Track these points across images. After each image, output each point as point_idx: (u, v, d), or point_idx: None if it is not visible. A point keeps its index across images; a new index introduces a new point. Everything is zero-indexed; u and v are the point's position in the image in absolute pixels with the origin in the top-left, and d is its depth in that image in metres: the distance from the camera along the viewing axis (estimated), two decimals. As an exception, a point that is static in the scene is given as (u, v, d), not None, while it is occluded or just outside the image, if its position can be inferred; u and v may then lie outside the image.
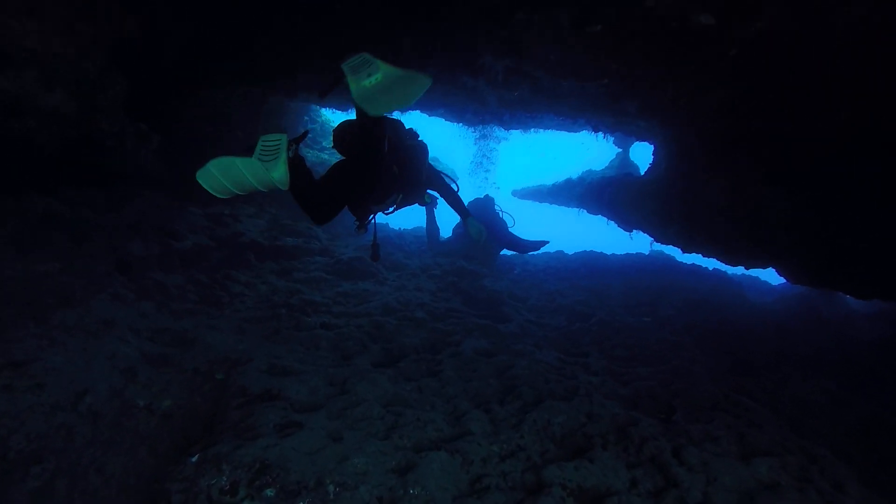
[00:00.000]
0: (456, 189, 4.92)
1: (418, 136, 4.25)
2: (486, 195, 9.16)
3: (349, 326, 5.20)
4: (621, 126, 6.30)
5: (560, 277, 8.61)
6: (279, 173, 3.03)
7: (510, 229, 8.26)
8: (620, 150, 10.70)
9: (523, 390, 3.74)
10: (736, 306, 7.68)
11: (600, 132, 6.65)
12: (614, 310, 6.95)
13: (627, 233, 7.75)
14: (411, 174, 4.01)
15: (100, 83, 4.55)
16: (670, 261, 10.29)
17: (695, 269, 9.53)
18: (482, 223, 7.82)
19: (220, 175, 2.95)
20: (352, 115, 4.57)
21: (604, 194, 7.17)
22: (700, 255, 6.10)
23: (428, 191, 4.61)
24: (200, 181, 2.93)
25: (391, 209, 4.20)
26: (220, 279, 5.83)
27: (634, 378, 4.32)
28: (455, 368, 4.23)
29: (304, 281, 6.40)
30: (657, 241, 6.99)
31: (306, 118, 10.74)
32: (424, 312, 5.91)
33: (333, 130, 3.75)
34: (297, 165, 3.18)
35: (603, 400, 3.65)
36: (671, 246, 6.63)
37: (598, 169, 11.24)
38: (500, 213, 8.66)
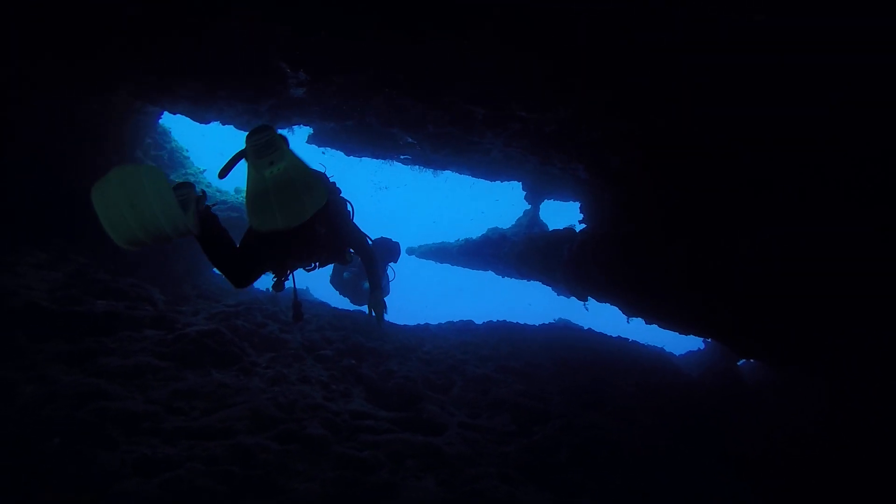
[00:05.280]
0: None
1: (340, 192, 3.87)
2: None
3: (193, 462, 2.92)
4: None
5: (481, 357, 6.92)
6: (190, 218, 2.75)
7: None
8: (530, 206, 9.69)
9: None
10: (690, 388, 6.61)
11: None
12: (569, 403, 5.39)
13: (583, 302, 6.43)
14: (334, 234, 3.63)
15: None
16: (584, 331, 9.22)
17: (619, 341, 8.51)
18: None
19: (122, 197, 2.48)
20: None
21: (561, 251, 5.75)
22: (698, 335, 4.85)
23: (350, 250, 4.10)
24: (95, 201, 2.49)
25: (313, 266, 3.78)
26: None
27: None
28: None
29: (115, 373, 3.89)
30: (632, 316, 5.69)
31: (149, 140, 8.09)
32: (321, 423, 3.78)
33: None
34: (208, 223, 3.00)
35: None
36: (658, 325, 5.35)
37: (504, 227, 10.15)
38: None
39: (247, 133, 2.82)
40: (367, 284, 8.05)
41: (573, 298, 9.07)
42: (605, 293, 5.42)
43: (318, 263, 3.76)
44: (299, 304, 3.78)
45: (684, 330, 5.54)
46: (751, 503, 3.72)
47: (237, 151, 2.96)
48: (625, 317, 6.75)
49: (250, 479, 2.88)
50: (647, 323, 6.44)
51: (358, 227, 4.07)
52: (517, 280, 9.60)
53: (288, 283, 3.77)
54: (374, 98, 4.24)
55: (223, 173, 3.07)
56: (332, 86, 4.12)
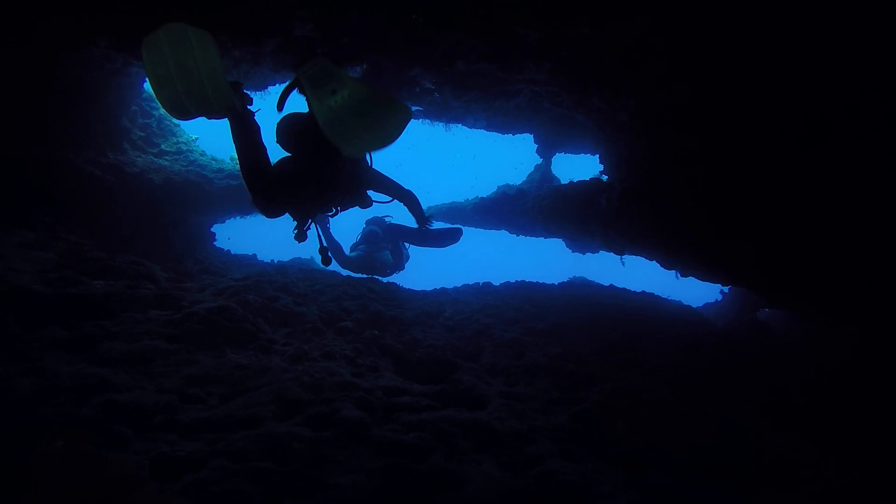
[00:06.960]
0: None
1: None
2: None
3: (218, 459, 2.55)
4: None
5: (507, 320, 6.54)
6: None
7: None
8: (542, 160, 9.18)
9: None
10: (722, 341, 6.27)
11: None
12: (605, 363, 5.05)
13: (619, 256, 6.04)
14: (359, 176, 3.75)
15: None
16: (606, 287, 8.84)
17: (643, 296, 8.14)
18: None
19: (168, 47, 2.70)
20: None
21: (597, 202, 5.28)
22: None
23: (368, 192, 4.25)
24: (145, 52, 2.79)
25: (333, 212, 3.90)
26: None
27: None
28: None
29: (119, 360, 3.49)
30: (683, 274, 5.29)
31: (135, 107, 7.49)
32: (354, 404, 3.41)
33: (278, 124, 3.48)
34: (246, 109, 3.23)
35: None
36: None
37: (516, 184, 9.67)
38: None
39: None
40: (384, 255, 7.75)
41: (580, 257, 8.77)
42: (648, 245, 5.00)
43: (339, 207, 3.86)
44: (326, 250, 3.98)
45: (725, 281, 5.18)
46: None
47: (290, 81, 3.01)
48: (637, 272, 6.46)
49: (287, 475, 2.51)
50: (682, 275, 6.06)
51: (376, 171, 4.22)
52: (514, 240, 9.23)
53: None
54: (393, 32, 3.67)
55: (280, 105, 3.18)
56: (344, 18, 3.56)
